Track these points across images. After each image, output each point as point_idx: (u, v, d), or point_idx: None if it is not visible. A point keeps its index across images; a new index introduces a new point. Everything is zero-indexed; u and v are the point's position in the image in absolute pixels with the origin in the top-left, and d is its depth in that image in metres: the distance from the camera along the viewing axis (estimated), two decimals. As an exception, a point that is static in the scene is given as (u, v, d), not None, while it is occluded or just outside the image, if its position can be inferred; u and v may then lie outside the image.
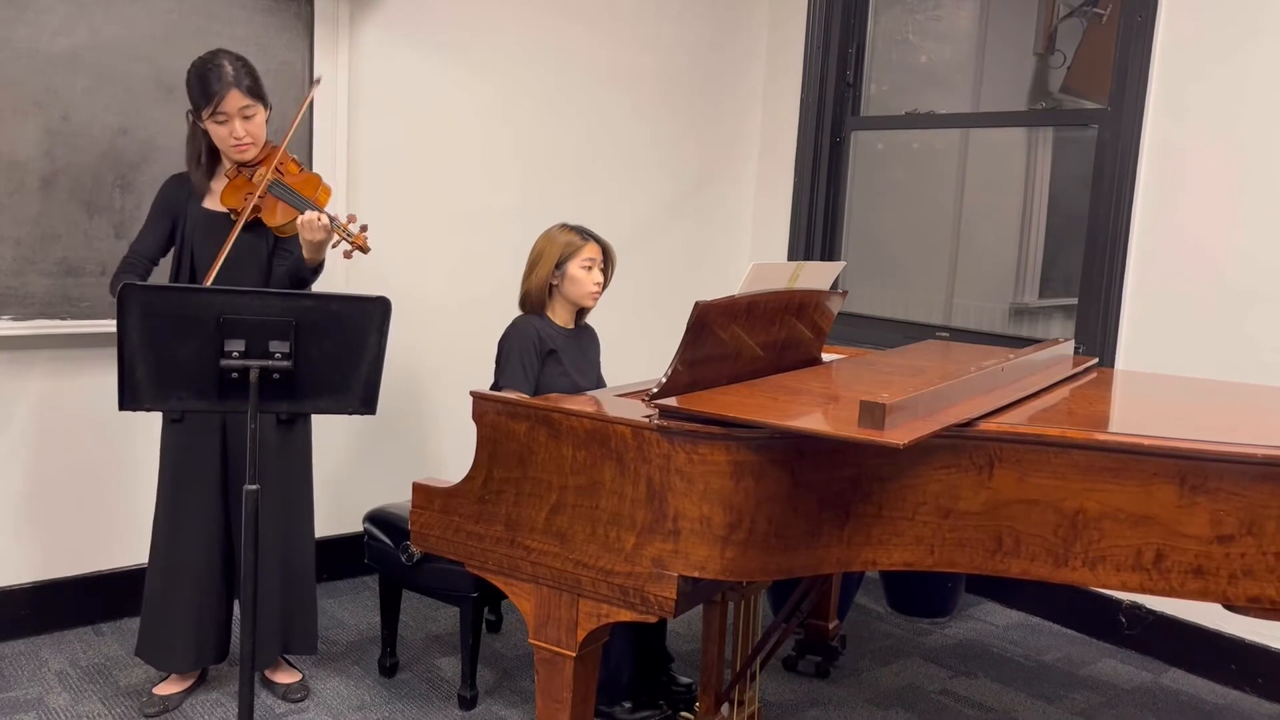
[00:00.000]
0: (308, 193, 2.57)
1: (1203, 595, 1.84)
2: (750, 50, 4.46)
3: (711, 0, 4.29)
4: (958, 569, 1.98)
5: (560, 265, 2.77)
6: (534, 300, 2.81)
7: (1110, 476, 1.87)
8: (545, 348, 2.73)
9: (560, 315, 2.82)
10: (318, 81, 2.78)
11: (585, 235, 2.81)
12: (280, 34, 3.23)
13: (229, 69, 2.52)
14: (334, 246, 2.55)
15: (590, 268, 2.78)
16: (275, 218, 2.57)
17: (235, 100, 2.52)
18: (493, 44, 3.73)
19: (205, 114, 2.54)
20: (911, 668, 3.22)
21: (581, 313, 2.89)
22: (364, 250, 2.50)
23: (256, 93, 2.57)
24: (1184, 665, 3.30)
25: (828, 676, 3.12)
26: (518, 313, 2.84)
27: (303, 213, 2.51)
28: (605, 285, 2.85)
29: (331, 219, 2.51)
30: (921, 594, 3.60)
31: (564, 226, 2.82)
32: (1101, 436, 1.89)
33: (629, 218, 4.18)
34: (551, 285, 2.79)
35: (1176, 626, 3.31)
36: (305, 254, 2.56)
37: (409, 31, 3.54)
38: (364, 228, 2.52)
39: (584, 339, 2.90)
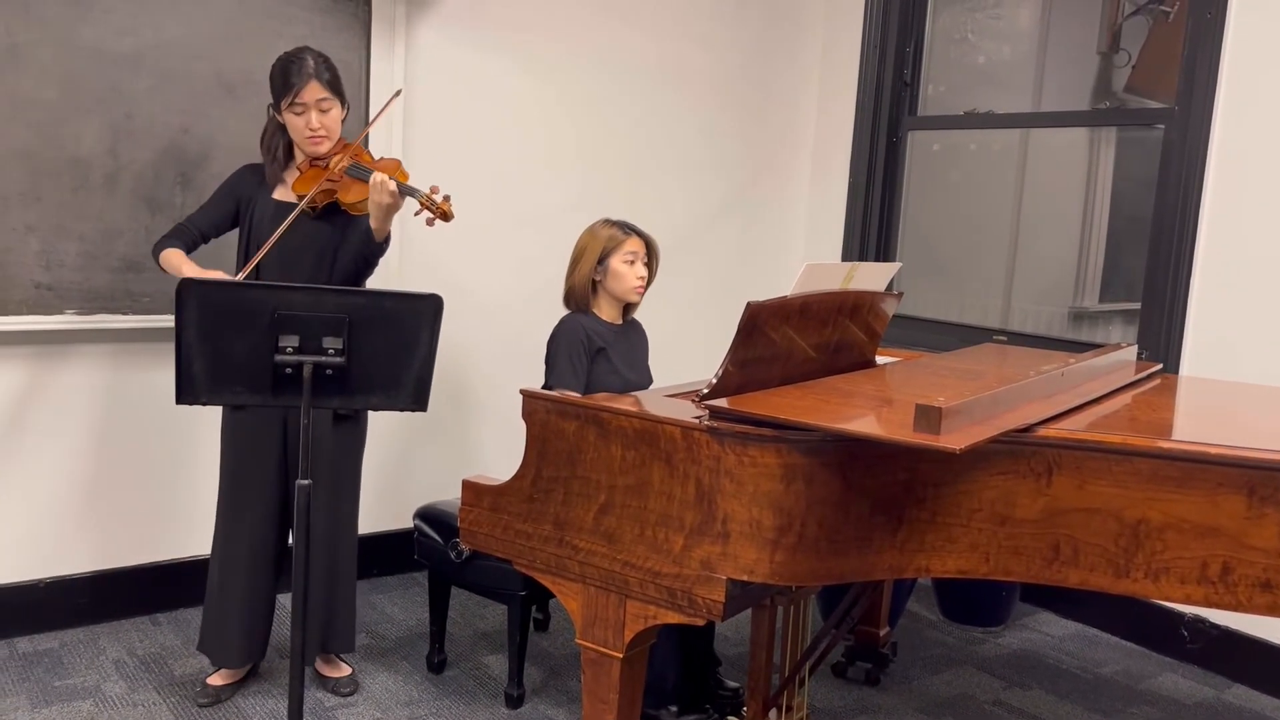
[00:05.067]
0: (386, 171, 2.61)
1: (1272, 610, 1.78)
2: (805, 49, 4.42)
3: (767, -1, 4.27)
4: (1013, 577, 1.94)
5: (603, 260, 2.76)
6: (578, 296, 2.80)
7: (1175, 486, 1.81)
8: (594, 346, 2.72)
9: (606, 311, 2.82)
10: (398, 94, 2.85)
11: (627, 230, 2.80)
12: (338, 34, 3.26)
13: (310, 62, 2.60)
14: (416, 214, 2.58)
15: (633, 262, 2.77)
16: (351, 195, 2.62)
17: (313, 91, 2.58)
18: (547, 43, 3.73)
19: (284, 104, 2.60)
20: (964, 677, 3.17)
21: (628, 308, 2.88)
22: (447, 218, 2.53)
23: (335, 88, 2.64)
24: (1248, 681, 3.20)
25: (878, 684, 3.07)
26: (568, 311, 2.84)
27: (371, 177, 2.54)
28: (650, 280, 2.84)
29: (413, 189, 2.55)
30: (975, 602, 3.54)
31: (606, 221, 2.82)
32: (1165, 444, 1.84)
33: (683, 216, 4.16)
34: (595, 281, 2.78)
35: (1241, 641, 3.21)
36: (373, 222, 2.58)
37: (465, 31, 3.55)
38: (447, 197, 2.55)
39: (632, 335, 2.89)
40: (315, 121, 2.60)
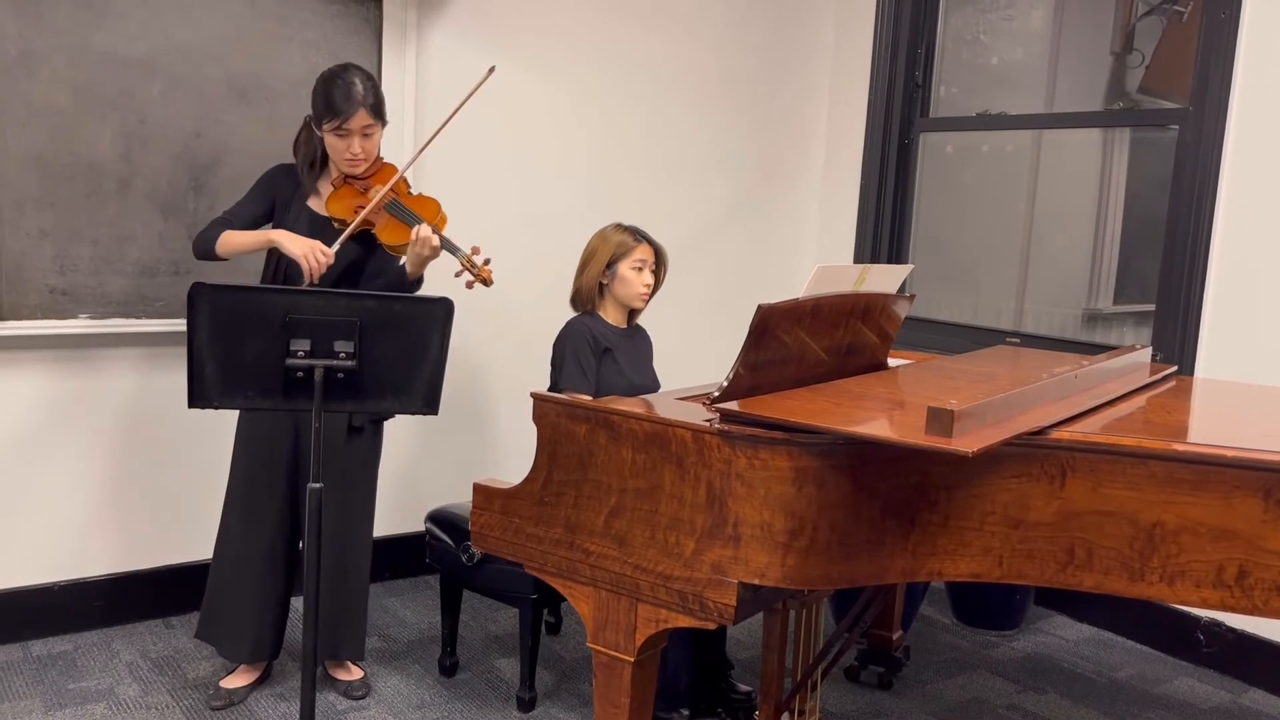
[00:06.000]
0: (426, 216, 2.63)
1: (1288, 614, 1.77)
2: (817, 51, 4.41)
3: (777, 0, 4.26)
4: (1027, 581, 1.92)
5: (611, 265, 2.79)
6: (584, 298, 2.83)
7: (1190, 489, 1.80)
8: (601, 346, 2.75)
9: (611, 315, 2.83)
10: (492, 70, 2.77)
11: (638, 236, 2.81)
12: (350, 38, 3.27)
13: (359, 88, 2.57)
14: (457, 275, 2.61)
15: (641, 269, 2.79)
16: (392, 236, 2.63)
17: (361, 119, 2.58)
18: (558, 47, 3.74)
19: (328, 126, 2.59)
20: (978, 681, 3.15)
21: (633, 313, 2.89)
22: (487, 284, 2.58)
23: (379, 112, 2.64)
24: (1265, 685, 3.18)
25: (891, 688, 3.06)
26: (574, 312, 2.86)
27: (415, 228, 2.57)
28: (656, 287, 2.85)
29: (455, 248, 2.57)
30: (989, 605, 3.52)
31: (618, 226, 2.83)
32: (1180, 447, 1.82)
33: (693, 219, 4.16)
34: (602, 284, 2.80)
35: (1258, 645, 3.19)
36: (409, 267, 2.63)
37: (475, 35, 3.56)
38: (487, 261, 2.58)
39: (637, 339, 2.90)
40: (357, 148, 2.61)
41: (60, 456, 3.04)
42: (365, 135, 2.61)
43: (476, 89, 2.69)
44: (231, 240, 2.61)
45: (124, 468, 3.14)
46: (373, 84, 2.62)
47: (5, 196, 2.82)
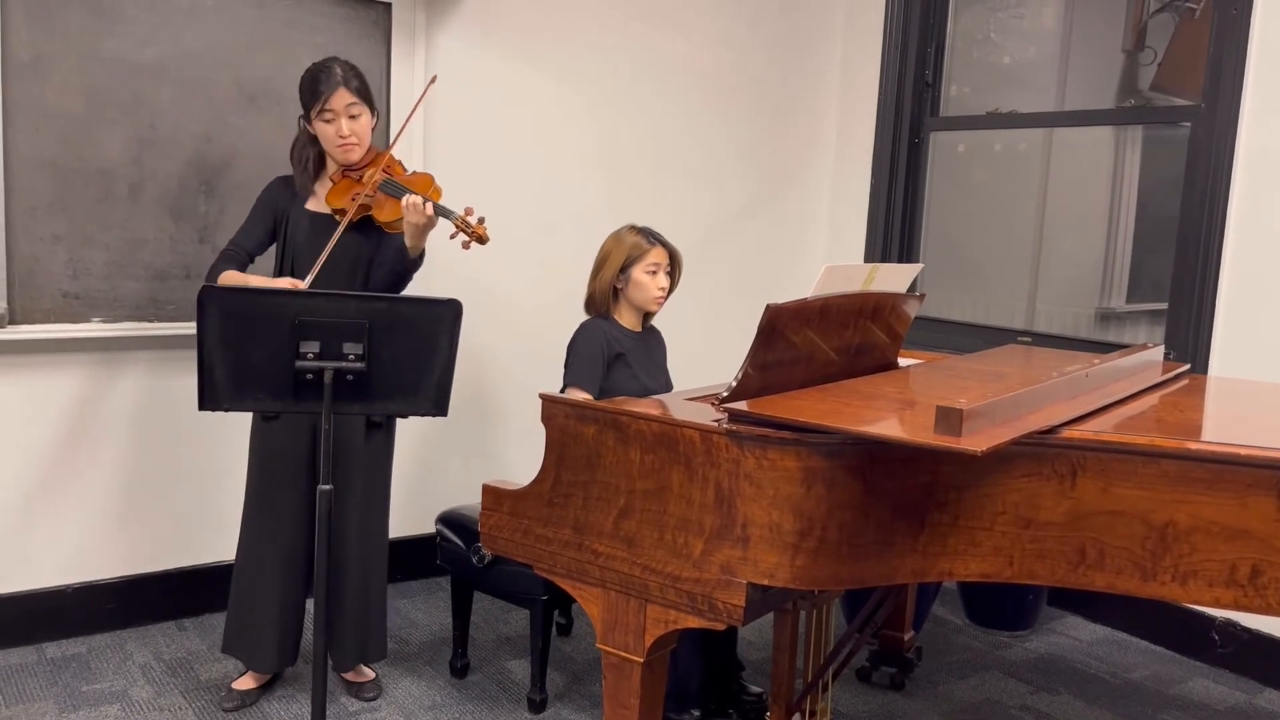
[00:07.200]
0: (419, 189, 2.62)
1: (1302, 614, 1.75)
2: (827, 50, 4.41)
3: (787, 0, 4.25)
4: (1038, 581, 1.91)
5: (625, 269, 2.76)
6: (599, 302, 2.81)
7: (1203, 488, 1.79)
8: (613, 351, 2.73)
9: (626, 318, 2.82)
10: (433, 80, 2.85)
11: (652, 239, 2.79)
12: (359, 41, 3.28)
13: (338, 71, 2.63)
14: (452, 238, 2.60)
15: (655, 272, 2.77)
16: (385, 213, 2.63)
17: (342, 98, 2.61)
18: (568, 48, 3.74)
19: (314, 113, 2.62)
20: (990, 682, 3.14)
21: (648, 316, 2.87)
22: (483, 241, 2.54)
23: (364, 94, 2.66)
24: (1281, 686, 3.16)
25: (903, 689, 3.04)
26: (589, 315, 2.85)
27: (404, 198, 2.55)
28: (671, 289, 2.83)
29: (448, 211, 2.55)
30: (1001, 606, 3.51)
31: (632, 229, 2.81)
32: (1193, 446, 1.81)
33: (704, 218, 4.16)
34: (616, 288, 2.78)
35: (1273, 645, 3.16)
36: (407, 241, 2.61)
37: (484, 37, 3.57)
38: (482, 220, 2.56)
39: (651, 342, 2.89)
40: (345, 129, 2.62)
41: (72, 459, 3.06)
42: (352, 117, 2.63)
43: (419, 101, 2.80)
44: (227, 283, 2.61)
45: (136, 470, 3.16)
46: (354, 69, 2.66)
47: (18, 202, 2.84)
